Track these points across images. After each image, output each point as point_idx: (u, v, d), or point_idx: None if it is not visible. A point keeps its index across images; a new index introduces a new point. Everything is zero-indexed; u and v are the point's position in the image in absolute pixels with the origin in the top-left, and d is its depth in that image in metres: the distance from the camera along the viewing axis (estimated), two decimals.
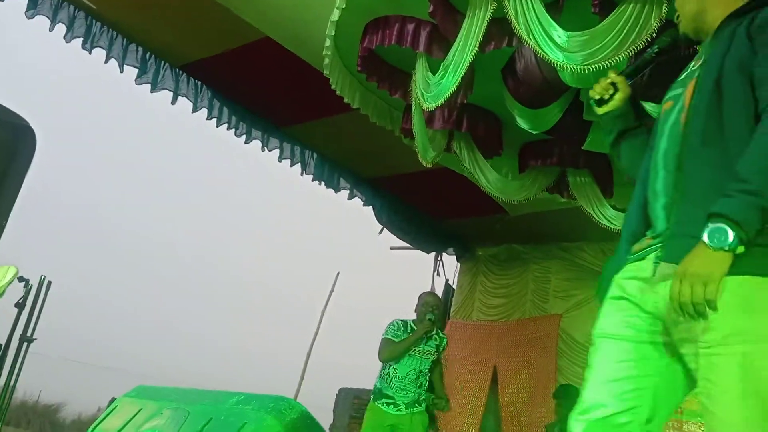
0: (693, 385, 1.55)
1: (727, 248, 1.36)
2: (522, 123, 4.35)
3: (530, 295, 7.37)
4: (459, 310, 7.89)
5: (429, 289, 7.80)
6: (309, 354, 7.98)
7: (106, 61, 4.58)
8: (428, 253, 7.94)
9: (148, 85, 4.79)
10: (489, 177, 4.93)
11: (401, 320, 4.53)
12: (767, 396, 1.38)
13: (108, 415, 1.64)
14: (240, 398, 1.38)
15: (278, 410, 1.28)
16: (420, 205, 7.16)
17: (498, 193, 5.05)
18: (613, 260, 1.74)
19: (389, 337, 4.46)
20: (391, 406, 4.37)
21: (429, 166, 4.48)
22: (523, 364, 6.93)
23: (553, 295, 7.16)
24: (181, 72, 4.98)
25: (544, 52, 3.28)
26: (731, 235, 1.36)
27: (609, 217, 5.11)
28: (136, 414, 1.58)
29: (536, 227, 6.87)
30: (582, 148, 4.60)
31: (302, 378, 7.96)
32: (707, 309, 1.38)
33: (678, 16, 1.82)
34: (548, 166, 5.05)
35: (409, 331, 4.47)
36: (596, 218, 5.10)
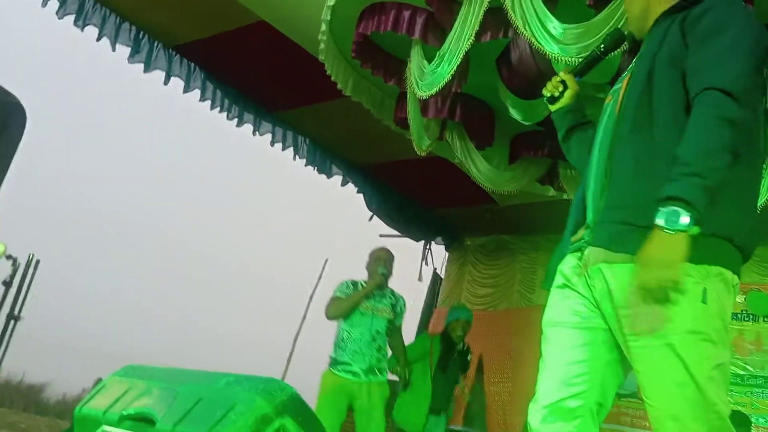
0: (629, 367, 1.59)
1: (684, 229, 1.38)
2: (515, 113, 4.35)
3: (517, 285, 7.42)
4: (446, 299, 7.92)
5: (417, 278, 7.82)
6: (296, 340, 7.99)
7: (98, 39, 4.53)
8: (417, 241, 7.95)
9: (141, 66, 4.75)
10: (480, 167, 4.94)
11: (351, 280, 4.24)
12: (698, 383, 1.41)
13: (96, 393, 1.63)
14: (230, 379, 1.38)
15: (268, 392, 1.28)
16: (410, 194, 7.16)
17: (488, 184, 5.06)
18: (559, 250, 1.78)
19: (337, 295, 4.19)
20: (348, 373, 4.03)
21: (423, 154, 4.48)
22: (508, 353, 6.97)
23: (540, 286, 7.20)
24: (174, 53, 4.94)
25: (540, 43, 3.28)
26: (686, 216, 1.37)
27: None
28: (125, 393, 1.57)
29: (525, 218, 6.90)
30: None
31: (288, 363, 7.97)
32: (673, 293, 1.40)
33: (625, 16, 1.87)
34: (539, 158, 5.07)
35: (359, 289, 4.17)
36: None
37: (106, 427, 1.50)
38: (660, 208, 1.40)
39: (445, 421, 5.11)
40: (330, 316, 4.14)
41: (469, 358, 5.18)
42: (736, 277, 1.51)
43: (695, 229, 1.39)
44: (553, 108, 2.06)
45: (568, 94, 2.02)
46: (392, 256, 4.38)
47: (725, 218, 1.48)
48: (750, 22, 1.59)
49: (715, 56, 1.53)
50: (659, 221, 1.39)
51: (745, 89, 1.48)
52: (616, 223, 1.50)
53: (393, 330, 4.26)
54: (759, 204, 4.15)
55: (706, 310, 1.44)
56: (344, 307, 4.09)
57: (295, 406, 1.33)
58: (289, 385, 1.36)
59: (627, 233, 1.49)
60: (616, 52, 2.10)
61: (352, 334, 4.08)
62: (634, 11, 1.83)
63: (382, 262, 4.24)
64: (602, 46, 2.01)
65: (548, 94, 2.05)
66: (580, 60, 2.08)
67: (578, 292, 1.65)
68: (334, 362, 4.09)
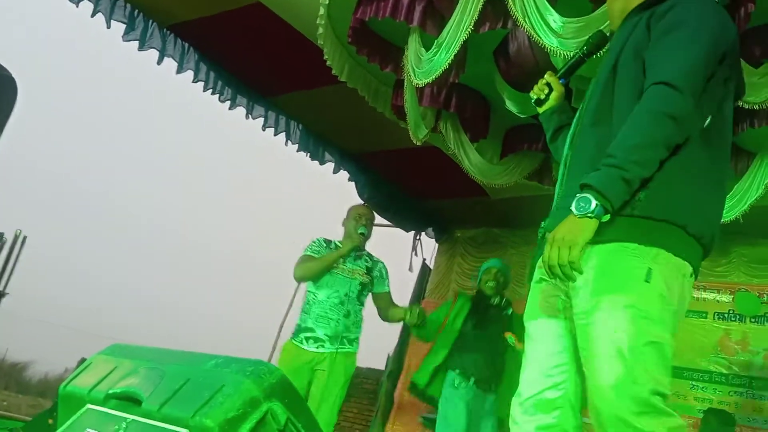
0: None
1: (590, 215, 1.47)
2: (510, 106, 4.34)
3: None
4: (435, 289, 7.93)
5: (408, 269, 7.82)
6: (282, 325, 7.98)
7: (93, 15, 4.46)
8: (407, 231, 7.94)
9: (136, 45, 4.69)
10: (472, 159, 4.93)
11: (324, 238, 3.80)
12: (626, 356, 1.43)
13: (82, 371, 1.61)
14: (218, 361, 1.36)
15: (257, 374, 1.27)
16: (402, 183, 7.15)
17: (481, 176, 5.05)
18: (539, 244, 1.81)
19: (308, 253, 3.70)
20: (311, 341, 3.53)
21: (418, 144, 4.47)
22: None
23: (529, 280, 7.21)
24: (168, 32, 4.88)
25: (539, 36, 3.27)
26: (594, 203, 1.46)
27: None
28: (111, 372, 1.56)
29: (516, 212, 6.90)
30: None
31: (274, 348, 7.96)
32: (572, 271, 1.49)
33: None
34: (533, 152, 5.06)
35: (332, 248, 3.74)
36: None
37: (90, 406, 1.48)
38: (576, 194, 1.49)
39: (493, 403, 4.06)
40: (298, 277, 3.68)
41: (509, 311, 4.21)
42: (687, 264, 1.54)
43: (605, 217, 1.47)
44: (540, 110, 2.14)
45: (553, 96, 2.10)
46: (373, 215, 3.96)
47: (679, 206, 1.52)
48: (713, 17, 1.62)
49: (668, 50, 1.57)
50: (572, 206, 1.49)
51: (694, 83, 1.51)
52: (567, 209, 1.53)
53: (383, 299, 3.80)
54: (739, 210, 4.20)
55: (648, 288, 1.47)
56: (315, 268, 3.60)
57: (283, 389, 1.32)
58: (278, 368, 1.35)
59: None
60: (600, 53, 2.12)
61: (317, 296, 3.61)
62: (615, 8, 1.87)
63: (363, 220, 3.79)
64: (585, 48, 2.06)
65: (535, 97, 2.13)
66: (565, 65, 2.13)
67: (552, 284, 1.68)
68: (296, 330, 3.62)
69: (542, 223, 1.80)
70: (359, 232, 3.72)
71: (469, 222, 7.78)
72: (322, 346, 3.52)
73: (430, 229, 8.06)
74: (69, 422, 1.47)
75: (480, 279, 4.39)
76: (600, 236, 1.49)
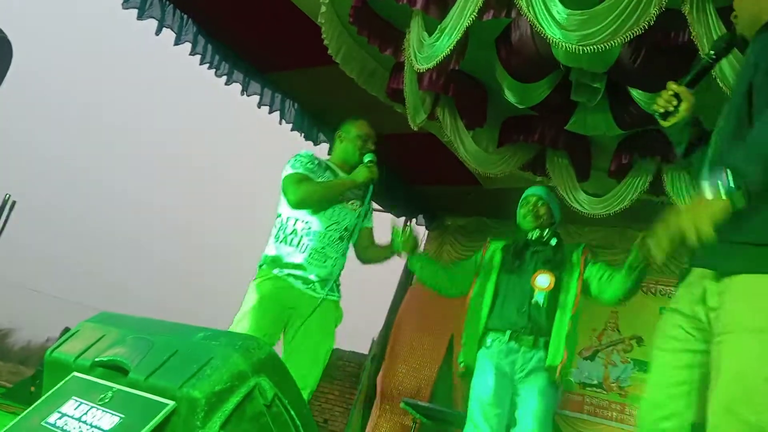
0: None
1: (723, 191, 1.45)
2: (509, 95, 4.33)
3: None
4: None
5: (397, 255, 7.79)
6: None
7: None
8: (398, 217, 7.93)
9: (135, 12, 4.63)
10: (468, 147, 4.92)
11: (312, 154, 3.04)
12: (758, 378, 1.43)
13: (68, 338, 1.60)
14: (207, 333, 1.35)
15: (246, 348, 1.26)
16: (395, 168, 7.12)
17: (475, 165, 5.05)
18: (681, 279, 1.84)
19: (302, 171, 2.90)
20: (299, 280, 2.80)
21: (415, 129, 4.45)
22: None
23: None
24: (167, 2, 4.82)
25: (542, 27, 3.26)
26: (727, 179, 1.44)
27: (581, 201, 5.17)
28: (98, 340, 1.54)
29: (508, 203, 6.85)
30: (564, 128, 4.61)
31: None
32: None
33: (735, 16, 1.82)
34: (528, 143, 5.06)
35: (326, 172, 2.98)
36: (568, 201, 5.14)
37: (76, 374, 1.46)
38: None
39: (542, 361, 2.97)
40: (297, 202, 2.84)
41: (553, 242, 3.22)
42: None
43: (738, 198, 1.45)
44: (667, 123, 1.96)
45: (683, 107, 1.92)
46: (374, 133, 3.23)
47: None
48: None
49: None
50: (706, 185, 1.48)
51: None
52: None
53: (368, 235, 3.19)
54: None
55: None
56: (323, 194, 2.89)
57: (272, 365, 1.31)
58: (268, 345, 1.34)
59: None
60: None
61: (311, 226, 2.86)
62: (744, 14, 1.80)
63: (370, 141, 3.13)
64: (712, 53, 1.95)
65: (661, 110, 1.94)
66: (691, 71, 1.98)
67: (682, 313, 1.70)
68: (275, 262, 2.83)
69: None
70: (368, 160, 3.03)
71: (460, 210, 7.78)
72: (313, 289, 2.82)
73: (420, 216, 8.05)
74: (54, 389, 1.45)
75: (517, 215, 3.39)
76: (740, 266, 1.51)
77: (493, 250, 3.36)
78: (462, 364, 3.20)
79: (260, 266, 2.88)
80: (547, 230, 3.26)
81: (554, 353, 2.92)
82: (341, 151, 3.13)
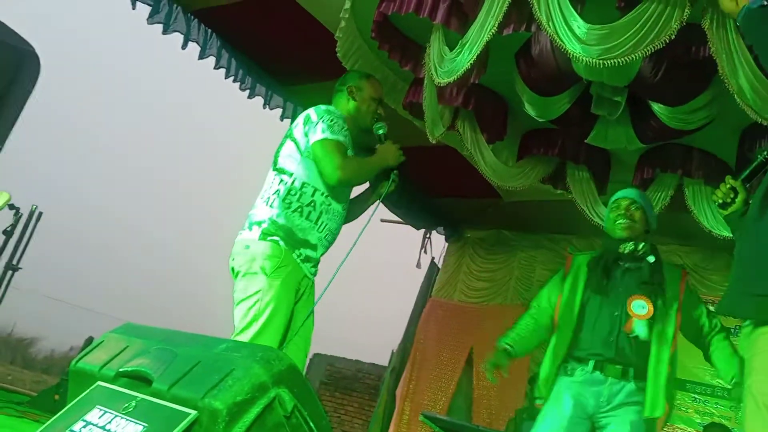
0: None
1: None
2: (529, 109, 4.34)
3: (514, 282, 7.42)
4: (442, 288, 7.93)
5: (415, 265, 7.81)
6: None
7: None
8: (418, 229, 7.95)
9: (159, 27, 4.72)
10: (488, 160, 4.93)
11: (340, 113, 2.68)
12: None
13: (93, 348, 1.63)
14: (229, 345, 1.38)
15: (266, 360, 1.28)
16: (415, 181, 7.15)
17: (495, 178, 5.06)
18: (742, 340, 1.92)
19: (341, 140, 2.58)
20: (310, 263, 2.54)
21: (434, 142, 4.47)
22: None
23: (537, 284, 7.19)
24: (192, 17, 4.91)
25: (562, 41, 3.27)
26: None
27: (601, 214, 5.14)
28: (122, 351, 1.57)
29: (528, 215, 6.90)
30: (585, 141, 4.60)
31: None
32: None
33: None
34: (549, 156, 5.06)
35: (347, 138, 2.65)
36: (588, 214, 5.13)
37: (101, 383, 1.50)
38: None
39: (632, 395, 2.62)
40: (343, 182, 2.55)
41: (651, 259, 2.78)
42: None
43: None
44: (725, 212, 2.24)
45: (740, 199, 2.19)
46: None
47: None
48: None
49: None
50: None
51: None
52: (743, 293, 1.83)
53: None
54: None
55: None
56: (366, 174, 2.71)
57: (292, 377, 1.33)
58: (288, 356, 1.36)
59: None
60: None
61: (331, 204, 2.59)
62: None
63: (381, 106, 2.91)
64: (766, 153, 2.14)
65: (720, 201, 2.23)
66: (747, 168, 2.19)
67: None
68: (289, 236, 2.48)
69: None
70: (382, 133, 2.84)
71: (480, 223, 7.77)
72: (314, 272, 2.60)
73: (440, 228, 8.06)
74: (79, 398, 1.49)
75: (606, 221, 2.98)
76: None
77: (578, 266, 2.92)
78: (538, 401, 2.87)
79: (267, 233, 2.46)
80: (642, 244, 2.82)
81: (653, 401, 2.55)
82: (354, 110, 2.82)
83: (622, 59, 3.22)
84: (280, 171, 2.58)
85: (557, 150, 4.92)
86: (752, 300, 1.73)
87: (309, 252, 2.53)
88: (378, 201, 2.90)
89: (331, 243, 2.63)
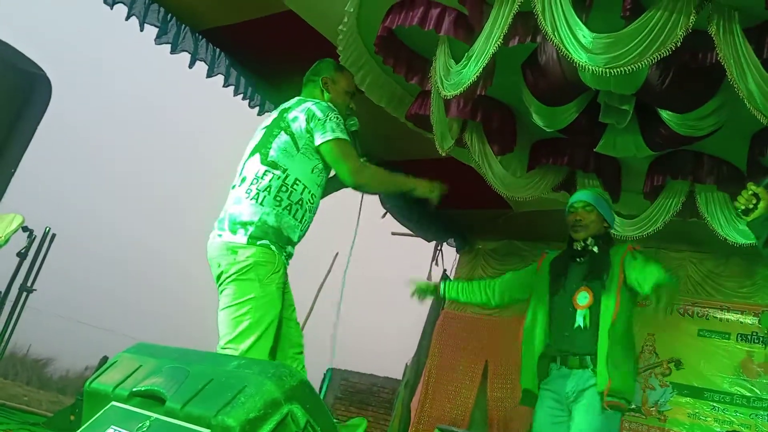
0: None
1: None
2: (537, 119, 4.34)
3: None
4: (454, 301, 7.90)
5: (426, 278, 7.80)
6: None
7: (127, 18, 4.56)
8: (429, 241, 7.94)
9: (168, 47, 4.77)
10: (496, 172, 4.93)
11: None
12: None
13: (107, 368, 1.64)
14: (241, 362, 1.39)
15: (278, 376, 1.29)
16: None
17: (504, 189, 5.05)
18: None
19: (348, 138, 2.61)
20: (289, 258, 2.54)
21: (443, 155, 4.48)
22: (513, 360, 6.94)
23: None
24: (200, 36, 4.96)
25: (568, 50, 3.27)
26: None
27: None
28: (136, 370, 1.58)
29: (539, 225, 6.87)
30: (594, 150, 4.59)
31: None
32: None
33: None
34: (558, 166, 5.05)
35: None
36: None
37: (115, 403, 1.51)
38: None
39: (590, 381, 2.80)
40: (361, 184, 2.62)
41: (594, 249, 2.99)
42: None
43: None
44: (748, 218, 2.29)
45: (762, 205, 2.24)
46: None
47: None
48: None
49: None
50: None
51: None
52: None
53: None
54: None
55: None
56: (386, 185, 2.89)
57: (304, 392, 1.34)
58: (299, 372, 1.37)
59: None
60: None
61: (314, 200, 2.59)
62: None
63: (353, 99, 2.92)
64: None
65: (743, 207, 2.29)
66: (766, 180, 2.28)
67: None
68: (278, 237, 2.44)
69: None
70: (354, 129, 2.81)
71: (491, 234, 7.76)
72: (287, 264, 2.56)
73: (451, 240, 8.05)
74: (94, 418, 1.50)
75: (566, 219, 3.19)
76: None
77: (545, 266, 3.17)
78: (528, 390, 3.02)
79: (256, 237, 2.40)
80: (590, 238, 3.01)
81: (600, 378, 2.74)
82: (330, 93, 2.83)
83: (629, 67, 3.22)
84: (272, 165, 2.50)
85: (567, 159, 4.91)
86: None
87: (291, 249, 2.53)
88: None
89: (304, 234, 2.60)
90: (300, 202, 2.50)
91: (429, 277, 7.89)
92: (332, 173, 2.66)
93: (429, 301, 7.98)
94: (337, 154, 2.52)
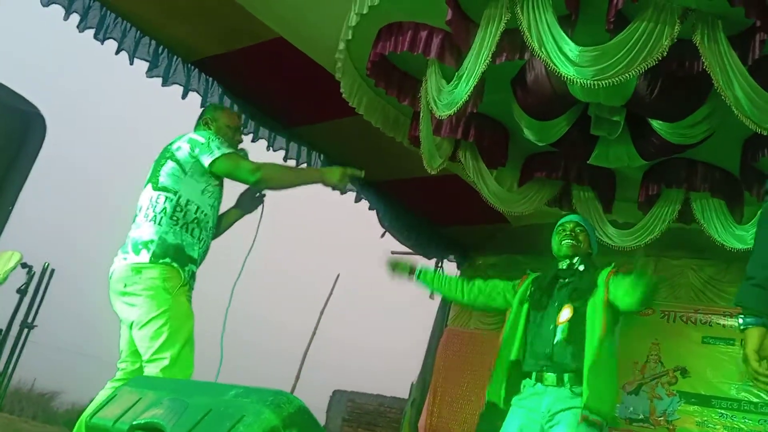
0: None
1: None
2: (529, 134, 4.37)
3: None
4: (457, 317, 7.89)
5: (428, 296, 7.79)
6: (305, 355, 7.98)
7: (117, 53, 4.59)
8: (429, 259, 7.94)
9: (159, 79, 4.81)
10: (491, 187, 4.96)
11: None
12: None
13: (106, 403, 1.65)
14: (239, 391, 1.39)
15: (276, 404, 1.29)
16: (423, 211, 7.17)
17: (500, 205, 5.07)
18: None
19: (234, 152, 2.82)
20: (192, 279, 2.70)
21: (432, 173, 4.50)
22: None
23: None
24: (192, 67, 5.00)
25: (555, 65, 3.31)
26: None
27: (609, 234, 5.14)
28: (135, 403, 1.59)
29: (538, 239, 6.85)
30: (587, 162, 4.62)
31: (297, 378, 7.96)
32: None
33: None
34: (552, 179, 5.07)
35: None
36: (597, 234, 5.11)
37: None
38: None
39: (570, 400, 2.75)
40: (264, 180, 2.76)
41: (580, 268, 3.02)
42: None
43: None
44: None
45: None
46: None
47: None
48: None
49: None
50: None
51: None
52: None
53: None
54: None
55: None
56: (292, 180, 2.94)
57: (302, 419, 1.34)
58: (298, 398, 1.37)
59: None
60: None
61: (206, 213, 2.74)
62: None
63: (239, 133, 3.09)
64: None
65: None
66: None
67: None
68: (179, 254, 2.60)
69: None
70: (242, 155, 2.90)
71: (491, 248, 7.76)
72: (193, 286, 2.73)
73: (451, 256, 8.05)
74: None
75: (553, 244, 3.21)
76: None
77: (526, 286, 3.13)
78: (492, 403, 2.99)
79: (157, 256, 2.55)
80: (577, 258, 3.03)
81: (584, 390, 2.68)
82: (216, 128, 2.99)
83: (616, 79, 3.25)
84: (164, 189, 2.68)
85: (560, 172, 4.94)
86: None
87: (193, 267, 2.67)
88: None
89: (204, 258, 2.75)
90: (196, 221, 2.67)
91: (431, 296, 7.88)
92: (222, 210, 2.90)
93: (431, 317, 7.99)
94: (230, 165, 2.71)
